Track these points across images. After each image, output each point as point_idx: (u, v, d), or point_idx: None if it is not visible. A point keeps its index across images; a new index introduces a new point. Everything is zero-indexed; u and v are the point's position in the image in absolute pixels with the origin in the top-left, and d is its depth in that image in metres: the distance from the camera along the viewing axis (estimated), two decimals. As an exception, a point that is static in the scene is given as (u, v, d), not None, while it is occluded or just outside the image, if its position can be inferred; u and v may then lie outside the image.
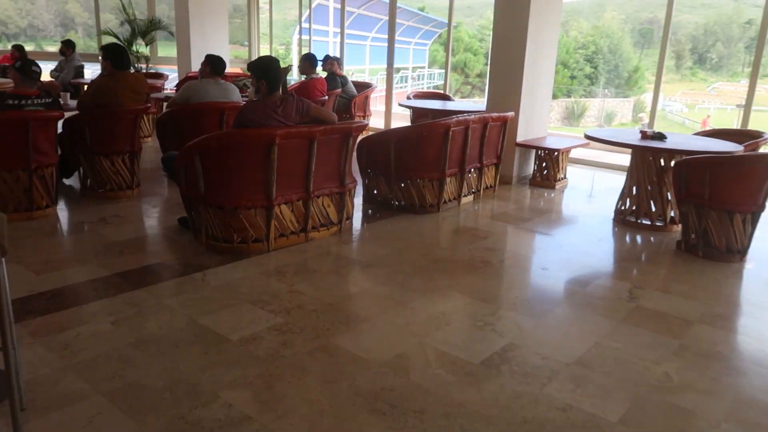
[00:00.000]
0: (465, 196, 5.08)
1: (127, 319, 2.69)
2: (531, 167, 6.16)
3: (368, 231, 4.29)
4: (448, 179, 4.79)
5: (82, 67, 8.59)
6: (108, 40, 10.05)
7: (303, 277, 3.28)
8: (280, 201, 3.66)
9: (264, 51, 11.91)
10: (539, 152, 5.89)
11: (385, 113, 9.41)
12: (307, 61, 6.19)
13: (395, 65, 9.33)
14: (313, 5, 12.84)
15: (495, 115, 5.14)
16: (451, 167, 4.77)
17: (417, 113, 7.25)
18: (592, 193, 5.82)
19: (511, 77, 5.75)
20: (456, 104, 7.38)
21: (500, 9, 5.72)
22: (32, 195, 4.06)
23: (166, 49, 11.21)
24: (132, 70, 4.78)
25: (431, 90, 11.74)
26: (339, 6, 17.43)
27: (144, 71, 9.75)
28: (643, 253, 4.06)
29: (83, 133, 4.54)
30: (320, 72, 6.26)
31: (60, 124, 4.23)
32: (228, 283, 3.15)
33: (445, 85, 8.86)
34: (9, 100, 3.82)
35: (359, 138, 4.23)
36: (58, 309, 2.77)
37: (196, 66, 9.40)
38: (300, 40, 11.64)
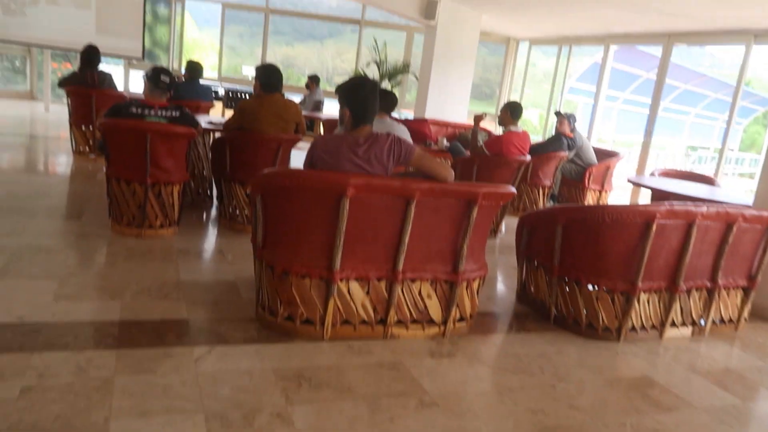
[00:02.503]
0: (675, 327, 3.33)
1: (40, 390, 1.99)
2: (818, 304, 3.94)
3: (486, 346, 2.96)
4: (642, 295, 3.15)
5: (321, 102, 8.84)
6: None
7: (326, 400, 2.20)
8: (349, 275, 2.65)
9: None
10: (836, 284, 3.69)
11: (632, 192, 7.59)
12: (507, 111, 5.05)
13: (694, 144, 7.54)
14: (587, 63, 11.52)
15: (751, 213, 3.29)
16: (651, 278, 3.13)
17: (657, 196, 5.46)
18: None
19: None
20: (722, 193, 5.36)
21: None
22: (146, 212, 3.81)
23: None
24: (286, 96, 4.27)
25: (691, 172, 9.31)
26: (617, 65, 15.57)
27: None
28: None
29: (224, 157, 4.21)
30: (519, 126, 5.05)
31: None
32: (213, 375, 2.26)
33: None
34: (133, 108, 3.62)
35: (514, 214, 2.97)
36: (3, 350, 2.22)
37: (432, 111, 8.99)
38: (561, 100, 10.43)
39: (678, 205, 3.03)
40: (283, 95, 4.30)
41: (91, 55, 5.99)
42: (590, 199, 7.27)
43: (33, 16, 9.65)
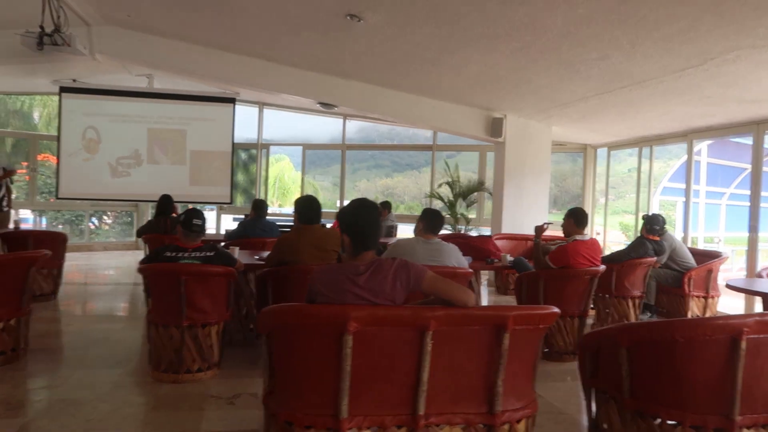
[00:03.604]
0: (802, 473, 2.56)
1: None
2: None
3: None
4: (745, 433, 2.47)
5: (394, 227, 8.80)
6: (434, 202, 10.31)
7: None
8: (361, 423, 2.28)
9: (596, 219, 10.37)
10: None
11: (747, 296, 6.61)
12: (571, 218, 4.62)
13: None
14: (679, 162, 10.84)
15: None
16: (755, 409, 2.46)
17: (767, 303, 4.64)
18: None
19: None
20: None
21: None
22: (182, 355, 3.69)
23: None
24: (325, 226, 4.18)
25: None
26: (715, 161, 14.54)
27: (462, 231, 9.49)
28: None
29: (266, 293, 4.09)
30: (586, 234, 4.57)
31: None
32: None
33: None
34: (167, 252, 3.64)
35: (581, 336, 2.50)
36: None
37: (508, 225, 8.66)
38: (650, 202, 9.71)
39: (771, 314, 2.44)
40: (323, 225, 4.21)
41: (163, 203, 6.38)
42: (694, 308, 6.38)
43: (137, 176, 10.71)
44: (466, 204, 9.66)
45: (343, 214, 2.41)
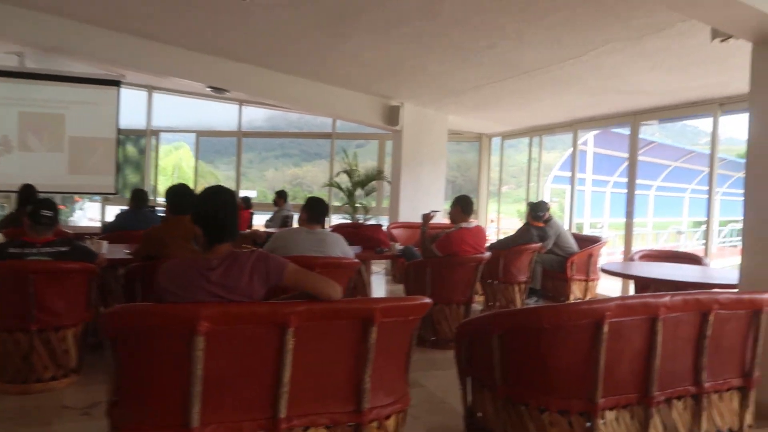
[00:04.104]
0: (660, 448, 2.66)
1: None
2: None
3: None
4: (608, 414, 2.52)
5: (290, 217, 8.56)
6: (333, 191, 10.16)
7: None
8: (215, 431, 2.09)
9: (492, 206, 10.67)
10: None
11: (623, 280, 6.99)
12: (458, 206, 4.63)
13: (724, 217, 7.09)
14: (569, 151, 11.34)
15: (727, 297, 2.74)
16: (616, 391, 2.52)
17: (640, 283, 4.91)
18: None
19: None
20: (717, 273, 4.81)
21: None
22: (32, 362, 3.30)
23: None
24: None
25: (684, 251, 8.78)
26: (601, 150, 15.43)
27: (361, 221, 9.39)
28: None
29: (132, 291, 3.76)
30: (473, 221, 4.61)
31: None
32: None
33: (707, 244, 6.12)
34: (11, 248, 3.24)
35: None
36: None
37: (406, 214, 8.67)
38: (539, 190, 10.09)
39: (633, 299, 2.50)
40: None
41: (25, 194, 5.77)
42: (576, 291, 6.68)
43: (7, 164, 9.70)
44: (365, 193, 9.57)
45: (195, 204, 2.18)
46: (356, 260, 4.08)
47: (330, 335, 2.20)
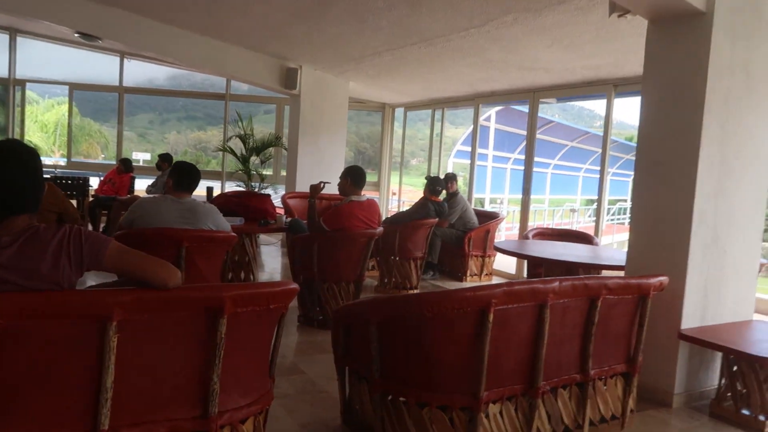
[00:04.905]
0: (544, 439, 2.52)
1: None
2: (712, 377, 3.33)
3: None
4: (492, 407, 2.33)
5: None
6: (228, 157, 9.52)
7: None
8: (12, 452, 1.65)
9: (394, 178, 10.48)
10: (730, 357, 3.08)
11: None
12: (348, 178, 4.31)
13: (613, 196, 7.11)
14: (477, 127, 11.30)
15: (616, 282, 2.62)
16: (500, 383, 2.33)
17: (532, 263, 4.84)
18: None
19: (669, 204, 3.22)
20: (606, 253, 4.83)
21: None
22: None
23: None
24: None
25: (577, 229, 9.07)
26: (504, 127, 15.71)
27: (256, 190, 8.84)
28: None
29: None
30: (364, 195, 4.31)
31: None
32: None
33: (598, 221, 6.24)
34: None
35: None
36: None
37: (303, 183, 8.22)
38: (440, 164, 9.97)
39: (520, 284, 2.29)
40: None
41: None
42: (473, 267, 6.64)
43: None
44: (260, 160, 9.02)
45: None
46: (232, 234, 3.65)
47: (167, 330, 1.80)
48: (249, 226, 4.77)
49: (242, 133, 8.87)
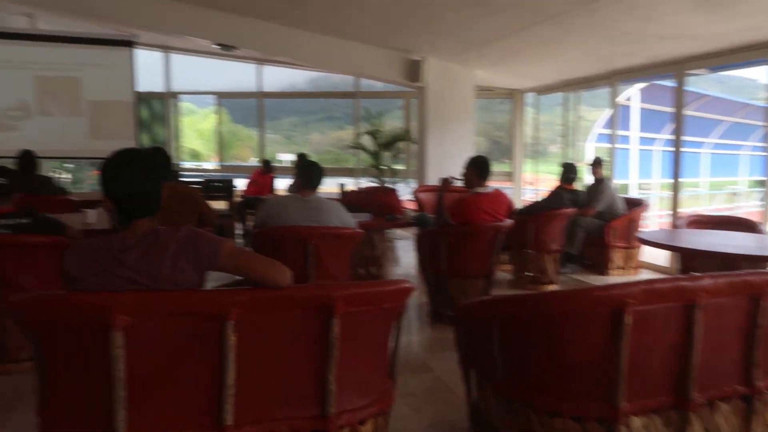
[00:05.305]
0: (699, 459, 2.20)
1: None
2: None
3: None
4: (635, 421, 2.07)
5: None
6: (363, 154, 9.71)
7: None
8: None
9: (529, 166, 10.02)
10: None
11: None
12: (472, 169, 4.13)
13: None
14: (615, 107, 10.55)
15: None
16: (644, 393, 2.06)
17: (686, 255, 4.34)
18: None
19: None
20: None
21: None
22: (6, 344, 3.06)
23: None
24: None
25: (740, 215, 8.01)
26: (650, 106, 14.40)
27: (385, 185, 8.95)
28: None
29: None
30: (490, 186, 4.09)
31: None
32: None
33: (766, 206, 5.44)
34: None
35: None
36: None
37: (431, 179, 8.18)
38: (580, 150, 9.39)
39: (662, 282, 2.02)
40: (183, 184, 3.58)
41: (26, 161, 5.55)
42: (617, 259, 6.14)
43: (26, 129, 9.60)
44: (391, 155, 9.09)
45: (102, 173, 1.76)
46: (358, 230, 3.66)
47: (282, 329, 1.81)
48: (375, 221, 4.79)
49: (372, 129, 9.00)
